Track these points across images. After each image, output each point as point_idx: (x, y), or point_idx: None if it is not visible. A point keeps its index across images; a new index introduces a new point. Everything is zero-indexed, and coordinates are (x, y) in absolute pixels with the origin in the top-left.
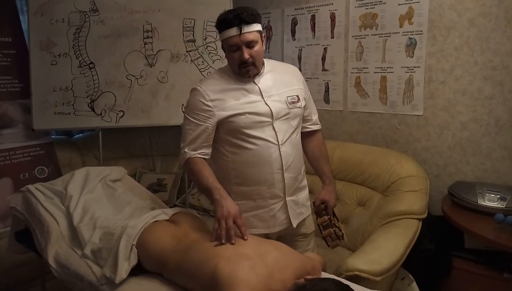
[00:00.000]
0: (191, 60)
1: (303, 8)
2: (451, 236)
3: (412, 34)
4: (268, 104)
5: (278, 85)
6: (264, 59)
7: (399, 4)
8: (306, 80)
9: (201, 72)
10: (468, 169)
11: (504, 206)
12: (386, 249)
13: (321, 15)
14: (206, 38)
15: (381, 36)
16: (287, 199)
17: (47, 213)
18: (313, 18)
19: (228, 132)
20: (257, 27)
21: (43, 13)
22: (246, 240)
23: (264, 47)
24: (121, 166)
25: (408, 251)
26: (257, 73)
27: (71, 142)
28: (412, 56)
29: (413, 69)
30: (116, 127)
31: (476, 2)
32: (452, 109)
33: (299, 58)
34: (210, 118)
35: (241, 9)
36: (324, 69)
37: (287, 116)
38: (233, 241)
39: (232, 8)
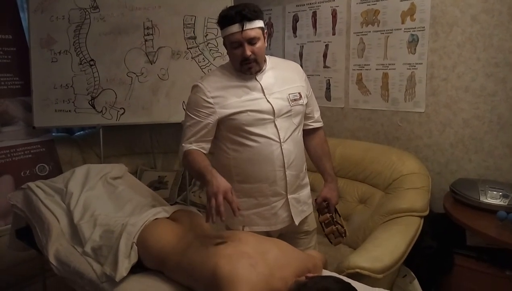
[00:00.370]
0: (192, 57)
1: (304, 5)
2: (453, 233)
3: (414, 31)
4: (270, 101)
5: (280, 83)
6: (266, 56)
7: (401, 0)
8: (307, 78)
9: (202, 69)
10: (470, 166)
11: (506, 204)
12: (387, 247)
13: (323, 12)
14: (207, 35)
15: (383, 33)
16: (289, 196)
17: (48, 211)
18: (314, 14)
19: (230, 130)
20: (259, 23)
21: (43, 10)
22: (236, 216)
23: (266, 44)
24: (122, 163)
25: (410, 249)
26: (259, 70)
27: (72, 140)
28: (414, 53)
29: (415, 66)
30: (116, 124)
31: None
32: (454, 106)
33: (301, 55)
34: (211, 115)
35: (243, 6)
36: (325, 66)
37: (289, 113)
38: (224, 218)
39: (233, 4)
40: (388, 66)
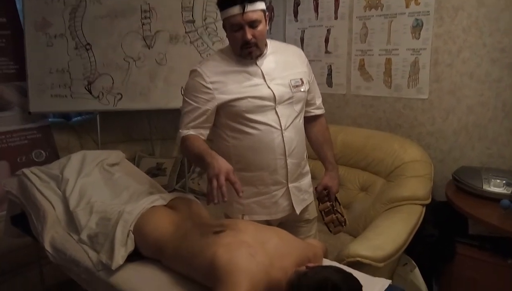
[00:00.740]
0: (190, 42)
1: None
2: (454, 221)
3: (419, 15)
4: (270, 87)
5: (281, 68)
6: (267, 40)
7: None
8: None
9: (200, 54)
10: (474, 154)
11: (510, 192)
12: (389, 235)
13: None
14: (205, 18)
15: (387, 17)
16: (290, 185)
17: (43, 197)
18: None
19: (229, 117)
20: (261, 6)
21: None
22: (240, 197)
23: (268, 27)
24: (119, 149)
25: (411, 237)
26: (260, 55)
27: (69, 126)
28: (418, 38)
29: (419, 52)
30: (114, 110)
31: None
32: (458, 92)
33: (302, 40)
34: (209, 101)
35: None
36: (327, 52)
37: (290, 100)
38: (226, 199)
39: None
40: (391, 52)
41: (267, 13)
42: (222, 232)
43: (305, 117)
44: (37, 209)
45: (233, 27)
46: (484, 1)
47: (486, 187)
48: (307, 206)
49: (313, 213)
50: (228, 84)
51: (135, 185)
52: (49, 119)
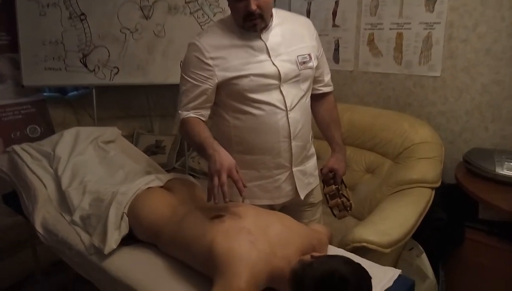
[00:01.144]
0: (190, 13)
1: None
2: (464, 205)
3: None
4: (275, 64)
5: (288, 42)
6: (273, 9)
7: None
8: None
9: (201, 26)
10: (486, 135)
11: None
12: (396, 219)
13: None
14: None
15: None
16: (294, 169)
17: (34, 176)
18: None
19: (230, 96)
20: None
21: None
22: (242, 196)
23: None
24: (117, 126)
25: (419, 222)
26: (265, 27)
27: (65, 101)
28: (432, 11)
29: (432, 26)
30: (110, 85)
31: None
32: (472, 70)
33: (308, 12)
34: (209, 78)
35: None
36: (334, 25)
37: (297, 78)
38: (227, 199)
39: None
40: (403, 26)
41: None
42: (221, 217)
43: (312, 95)
44: (28, 188)
45: None
46: None
47: (499, 170)
48: (312, 190)
49: (318, 196)
50: (229, 60)
51: (131, 163)
52: (44, 94)
